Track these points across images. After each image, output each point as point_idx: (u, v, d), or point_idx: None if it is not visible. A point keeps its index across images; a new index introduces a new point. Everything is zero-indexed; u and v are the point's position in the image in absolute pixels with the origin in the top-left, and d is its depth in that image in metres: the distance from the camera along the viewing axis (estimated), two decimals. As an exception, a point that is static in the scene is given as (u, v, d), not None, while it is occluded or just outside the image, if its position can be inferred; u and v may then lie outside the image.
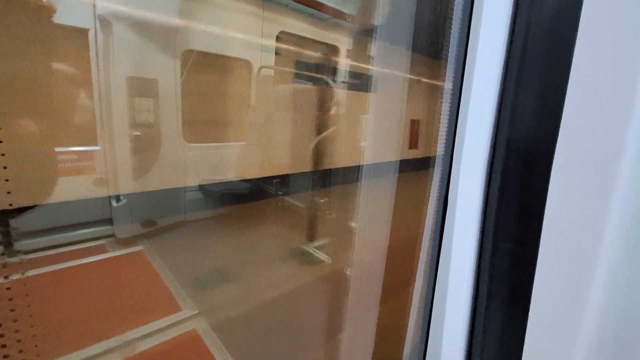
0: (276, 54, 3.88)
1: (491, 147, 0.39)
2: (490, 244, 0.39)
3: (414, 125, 0.49)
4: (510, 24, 0.36)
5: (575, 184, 0.31)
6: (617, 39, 0.29)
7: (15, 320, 0.61)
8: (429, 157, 0.46)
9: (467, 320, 0.42)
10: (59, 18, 2.54)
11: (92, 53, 2.68)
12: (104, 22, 2.47)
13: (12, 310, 0.62)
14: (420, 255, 0.48)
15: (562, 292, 0.33)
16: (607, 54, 0.29)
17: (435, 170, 0.45)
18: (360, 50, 0.63)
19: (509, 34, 0.37)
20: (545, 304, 0.34)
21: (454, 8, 0.41)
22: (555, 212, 0.33)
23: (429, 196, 0.46)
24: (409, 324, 0.51)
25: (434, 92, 0.45)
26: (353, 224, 0.66)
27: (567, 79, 0.32)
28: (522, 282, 0.36)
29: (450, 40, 0.42)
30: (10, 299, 0.63)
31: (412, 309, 0.51)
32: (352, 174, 0.73)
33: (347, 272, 0.69)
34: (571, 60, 0.31)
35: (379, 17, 0.49)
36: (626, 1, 0.28)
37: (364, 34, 0.61)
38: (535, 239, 0.34)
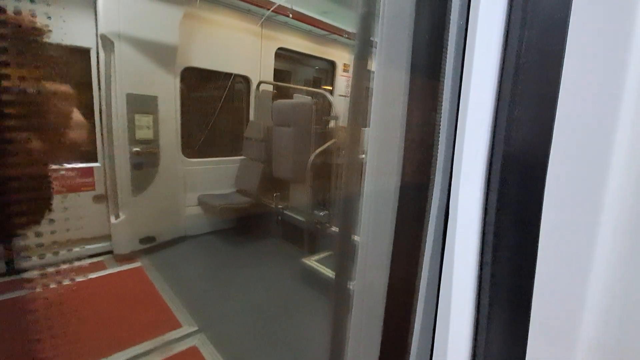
0: (275, 69, 3.96)
1: (488, 160, 0.41)
2: (491, 252, 0.40)
3: (414, 136, 0.51)
4: (503, 43, 0.38)
5: (568, 193, 0.33)
6: (602, 56, 0.31)
7: None
8: (430, 170, 0.47)
9: (470, 329, 0.42)
10: (62, 38, 2.59)
11: (93, 70, 2.73)
12: (106, 41, 2.53)
13: None
14: (423, 266, 0.49)
15: (561, 295, 0.34)
16: (593, 71, 0.31)
17: (435, 184, 0.47)
18: (359, 64, 0.65)
19: (502, 52, 0.39)
20: (546, 308, 0.35)
21: (450, 30, 0.43)
22: (552, 219, 0.34)
23: (430, 208, 0.48)
24: (414, 334, 0.51)
25: (432, 108, 0.47)
26: (356, 238, 0.66)
27: (557, 95, 0.34)
28: (522, 289, 0.37)
29: (447, 61, 0.44)
30: None
31: (416, 319, 0.51)
32: (353, 186, 0.74)
33: (350, 286, 0.70)
34: (560, 78, 0.33)
35: (378, 34, 0.51)
36: (610, 21, 0.31)
37: (363, 50, 0.63)
38: (534, 246, 0.35)
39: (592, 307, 0.30)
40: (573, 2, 0.33)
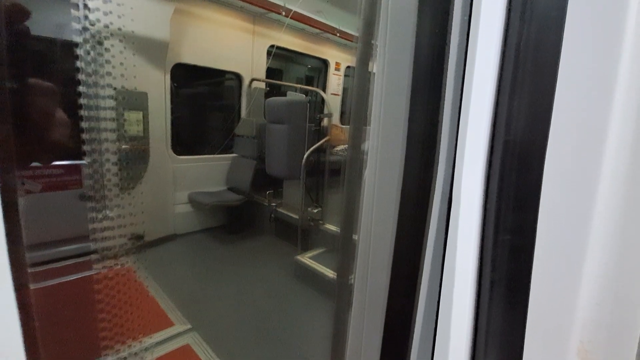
0: (268, 67, 3.94)
1: (489, 148, 0.43)
2: (492, 237, 0.42)
3: (417, 131, 0.52)
4: (503, 36, 0.39)
5: (565, 178, 0.35)
6: (597, 48, 0.32)
7: None
8: (433, 160, 0.48)
9: (471, 320, 0.44)
10: (46, 31, 2.53)
11: (81, 65, 2.65)
12: (95, 35, 2.47)
13: None
14: (427, 253, 0.50)
15: (558, 276, 0.35)
16: (588, 62, 0.33)
17: (438, 172, 0.48)
18: (361, 59, 0.66)
19: (502, 45, 0.41)
20: (544, 288, 0.36)
21: (452, 24, 0.44)
22: (549, 204, 0.36)
23: (433, 196, 0.49)
24: (417, 317, 0.52)
25: (435, 102, 0.48)
26: (355, 234, 0.67)
27: (554, 86, 0.36)
28: (521, 270, 0.39)
29: (450, 54, 0.45)
30: None
31: (418, 310, 0.53)
32: (352, 182, 0.75)
33: (350, 281, 0.71)
34: (557, 70, 0.35)
35: (381, 25, 0.52)
36: (605, 14, 0.32)
37: (366, 43, 0.64)
38: (532, 229, 0.37)
39: (587, 283, 0.32)
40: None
